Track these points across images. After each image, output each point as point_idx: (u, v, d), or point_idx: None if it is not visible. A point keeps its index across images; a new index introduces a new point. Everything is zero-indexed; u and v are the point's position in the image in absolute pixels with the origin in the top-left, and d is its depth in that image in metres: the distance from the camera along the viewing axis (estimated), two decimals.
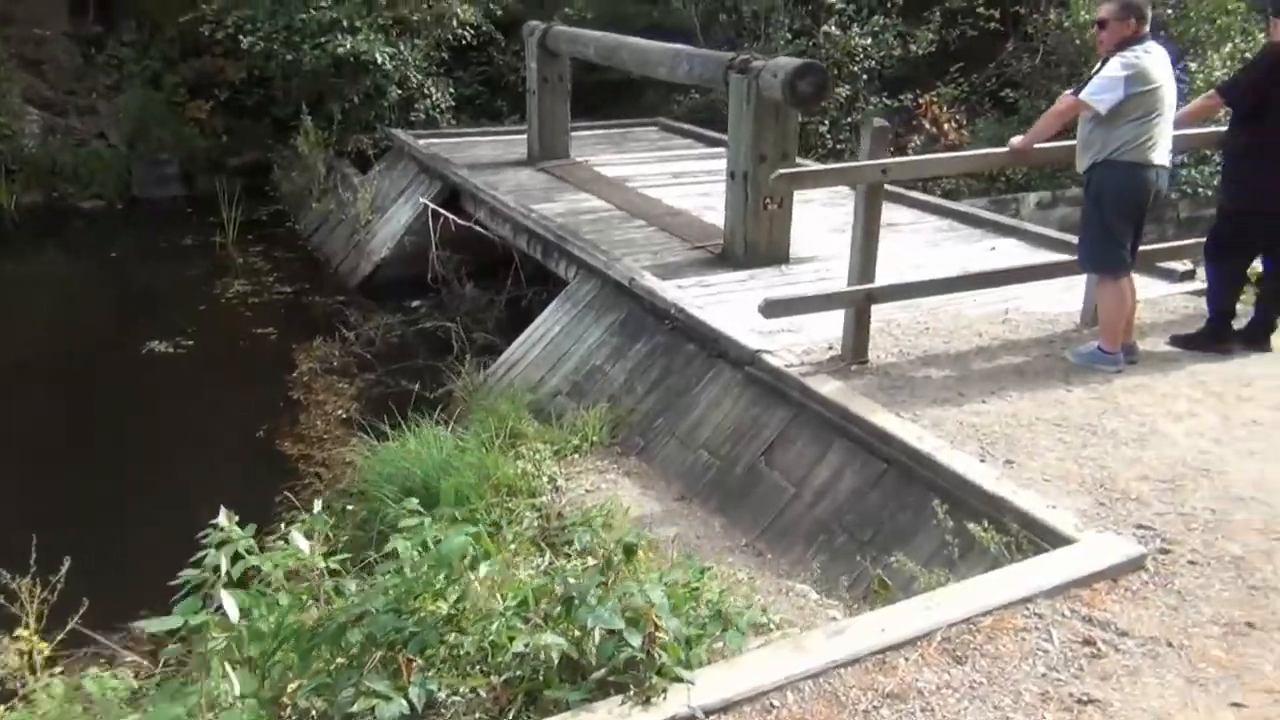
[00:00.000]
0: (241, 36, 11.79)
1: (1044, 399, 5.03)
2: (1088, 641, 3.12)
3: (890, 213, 8.96)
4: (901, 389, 5.17)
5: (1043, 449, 4.50)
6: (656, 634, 2.98)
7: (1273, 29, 5.43)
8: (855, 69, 13.43)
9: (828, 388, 5.12)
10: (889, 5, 13.28)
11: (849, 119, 13.73)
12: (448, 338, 8.32)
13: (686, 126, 12.63)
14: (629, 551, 3.20)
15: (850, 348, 5.42)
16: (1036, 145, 5.54)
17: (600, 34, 9.49)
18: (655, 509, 5.28)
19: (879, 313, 6.17)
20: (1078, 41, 13.25)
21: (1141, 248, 6.79)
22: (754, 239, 7.28)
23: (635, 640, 2.73)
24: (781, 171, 5.02)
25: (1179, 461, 4.34)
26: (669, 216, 8.63)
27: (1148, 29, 5.15)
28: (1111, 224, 5.20)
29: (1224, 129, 5.70)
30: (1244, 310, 5.81)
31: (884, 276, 6.96)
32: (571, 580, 3.01)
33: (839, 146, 13.70)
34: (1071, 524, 3.89)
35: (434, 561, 2.95)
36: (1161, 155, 5.11)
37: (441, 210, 9.01)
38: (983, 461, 4.39)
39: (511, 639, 2.88)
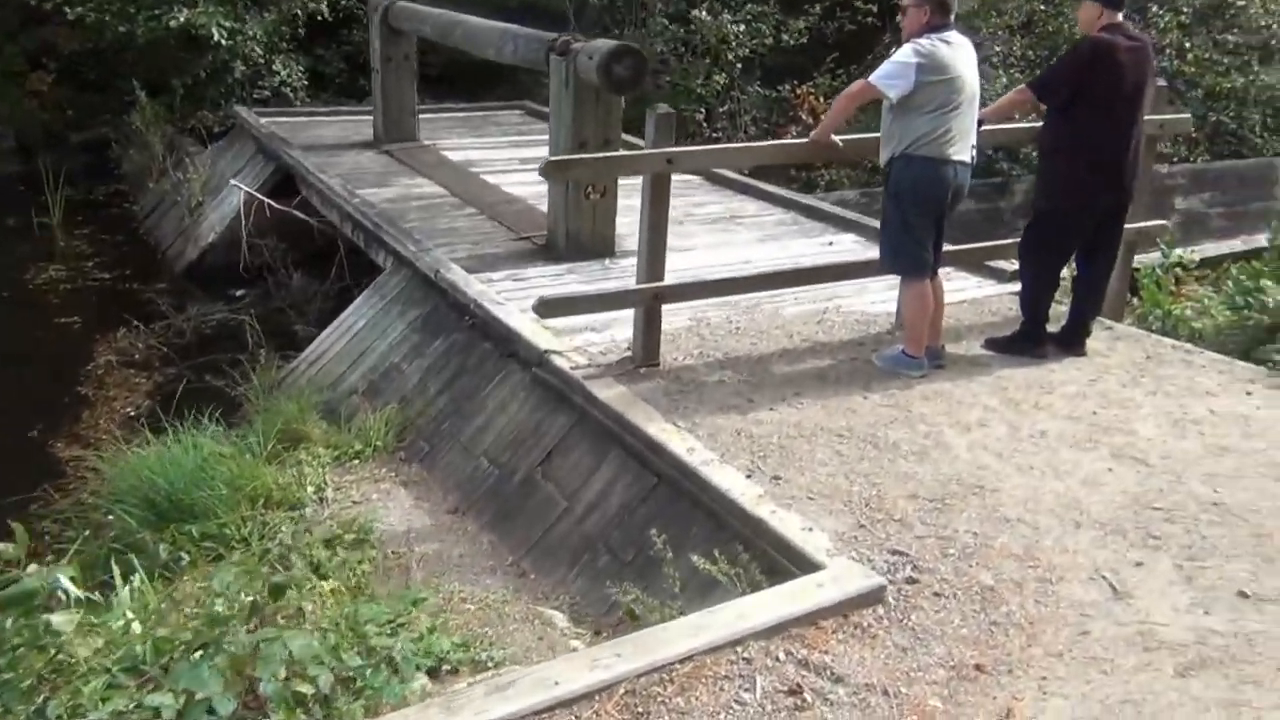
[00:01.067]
0: (68, 7, 11.00)
1: (836, 406, 4.73)
2: (794, 691, 2.79)
3: (736, 203, 8.73)
4: (689, 394, 4.82)
5: (817, 462, 4.18)
6: (299, 687, 2.58)
7: (1085, 16, 5.19)
8: (731, 57, 13.10)
9: (608, 393, 4.75)
10: None
11: (725, 107, 13.43)
12: (265, 330, 7.79)
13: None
14: (275, 593, 2.77)
15: (640, 350, 5.06)
16: (844, 138, 5.24)
17: (439, 11, 9.00)
18: (424, 523, 4.87)
19: (691, 311, 5.87)
20: None
21: (968, 245, 6.61)
22: (576, 231, 6.88)
23: (226, 708, 2.30)
24: (552, 159, 4.63)
25: (954, 478, 4.06)
26: (504, 204, 8.20)
27: (950, 19, 4.86)
28: (910, 222, 4.92)
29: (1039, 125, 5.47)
30: (1062, 313, 5.61)
31: (715, 270, 6.73)
32: (193, 630, 2.58)
33: (715, 135, 13.39)
34: (824, 549, 3.58)
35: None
36: (961, 151, 4.83)
37: (256, 194, 8.44)
38: (749, 477, 4.06)
39: (105, 700, 2.44)
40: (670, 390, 4.86)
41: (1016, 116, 6.08)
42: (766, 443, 4.34)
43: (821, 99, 13.56)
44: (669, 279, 6.46)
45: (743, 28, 12.75)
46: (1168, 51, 14.86)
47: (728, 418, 4.57)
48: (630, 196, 8.48)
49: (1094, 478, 4.05)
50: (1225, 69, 15.51)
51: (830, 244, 7.52)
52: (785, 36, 12.72)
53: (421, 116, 10.79)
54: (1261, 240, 13.60)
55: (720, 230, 7.80)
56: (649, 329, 5.00)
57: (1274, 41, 15.75)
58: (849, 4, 13.50)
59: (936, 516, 3.78)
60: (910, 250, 4.97)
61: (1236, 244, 11.86)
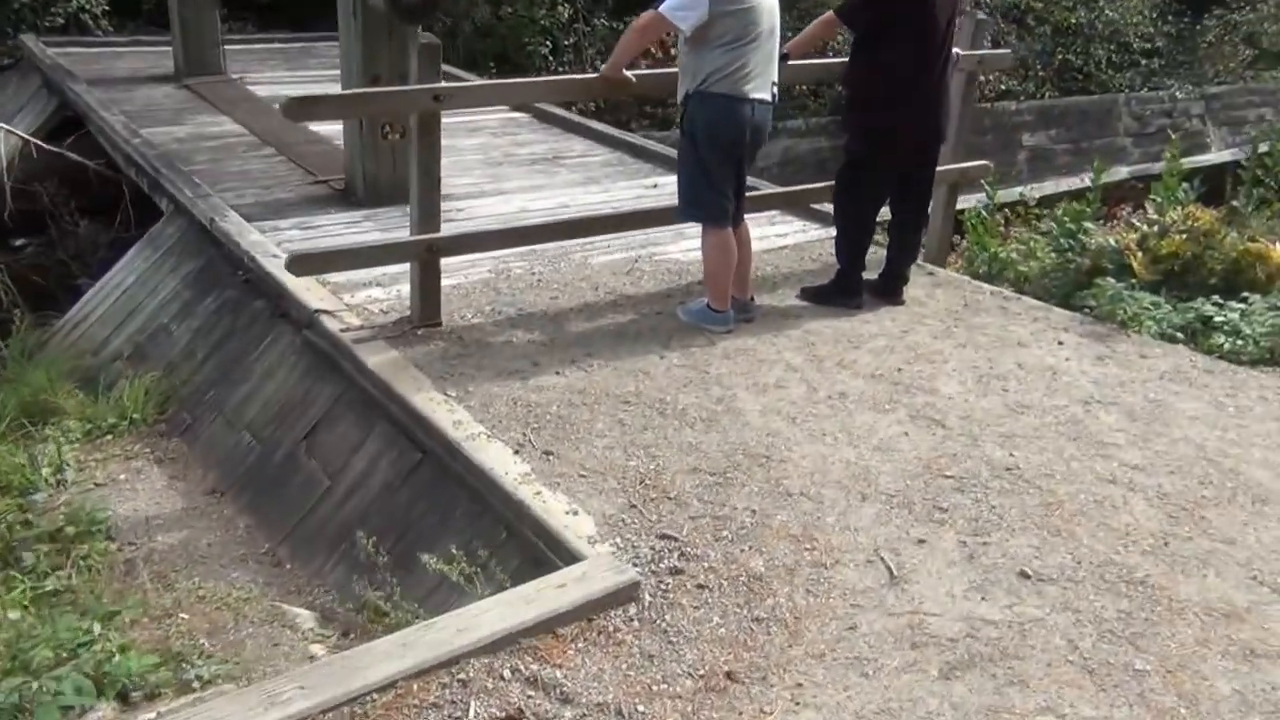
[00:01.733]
0: None
1: (628, 369, 4.36)
2: (512, 717, 2.42)
3: (563, 142, 8.24)
4: (470, 357, 4.39)
5: (596, 434, 3.81)
6: None
7: None
8: None
9: (377, 359, 4.28)
10: None
11: (570, 41, 12.82)
12: (46, 283, 7.04)
13: None
14: None
15: (418, 309, 4.59)
16: (639, 73, 4.82)
17: None
18: (176, 507, 4.35)
19: (492, 262, 5.43)
20: None
21: (793, 187, 6.30)
22: (374, 174, 6.32)
23: None
24: (294, 97, 4.08)
25: (741, 447, 3.74)
26: (307, 145, 7.53)
27: None
28: (707, 165, 4.54)
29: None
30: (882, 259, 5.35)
31: (532, 215, 6.27)
32: None
33: (560, 69, 12.79)
34: (587, 536, 3.21)
35: None
36: (760, 88, 4.46)
37: (18, 133, 7.58)
38: (517, 453, 3.66)
39: None
40: (449, 354, 4.41)
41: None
42: (544, 412, 3.95)
43: None
44: (480, 224, 6.06)
45: None
46: None
47: (507, 384, 4.16)
48: (453, 135, 7.95)
49: (888, 443, 3.78)
50: (1072, 4, 15.58)
51: (655, 186, 7.12)
52: None
53: (233, 48, 9.96)
54: (1108, 176, 13.83)
55: (540, 172, 7.32)
56: (426, 285, 4.53)
57: None
58: None
59: (716, 493, 3.45)
60: (708, 196, 4.60)
61: (1076, 181, 11.93)
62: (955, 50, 5.45)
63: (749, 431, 3.85)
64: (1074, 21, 15.51)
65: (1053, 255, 6.33)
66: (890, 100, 4.89)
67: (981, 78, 13.91)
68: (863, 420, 3.95)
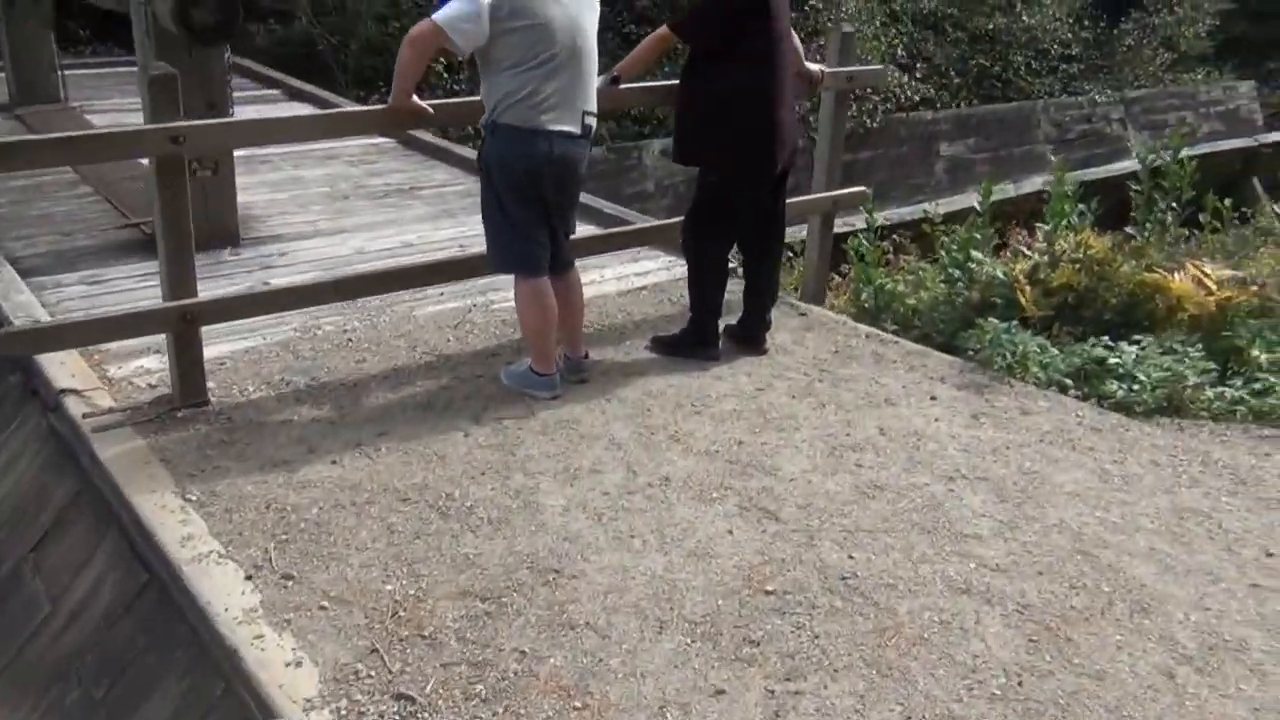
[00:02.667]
0: None
1: (423, 451, 3.70)
2: None
3: (423, 170, 7.56)
4: (232, 446, 3.70)
5: (356, 546, 3.14)
6: None
7: None
8: None
9: (115, 451, 3.59)
10: None
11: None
12: None
13: (248, 64, 10.62)
14: None
15: (178, 386, 3.89)
16: (435, 102, 4.16)
17: None
18: None
19: (299, 318, 4.75)
20: None
21: (657, 221, 5.69)
22: None
23: None
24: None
25: (529, 558, 3.09)
26: (128, 181, 6.77)
27: None
28: (506, 207, 3.90)
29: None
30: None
31: (367, 259, 5.59)
32: None
33: (456, 88, 12.09)
34: (304, 699, 2.55)
35: None
36: (563, 119, 3.82)
37: None
38: (250, 578, 2.99)
39: None
40: (209, 441, 3.72)
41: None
42: (300, 518, 3.27)
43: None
44: (314, 269, 5.38)
45: None
46: None
47: (266, 481, 3.48)
48: (301, 165, 7.23)
49: (707, 546, 3.15)
50: (989, 10, 15.20)
51: None
52: None
53: (74, 73, 9.16)
54: (1029, 185, 13.40)
55: (390, 206, 6.63)
56: (185, 360, 3.83)
57: None
58: None
59: (483, 627, 2.80)
60: (514, 243, 3.95)
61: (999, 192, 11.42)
62: (818, 68, 4.91)
63: (543, 536, 3.20)
64: (991, 28, 15.12)
65: (942, 286, 5.78)
66: (737, 125, 4.29)
67: (896, 88, 13.56)
68: (683, 515, 3.32)
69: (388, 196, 6.85)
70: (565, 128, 3.80)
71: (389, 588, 2.95)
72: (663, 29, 4.35)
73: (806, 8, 12.67)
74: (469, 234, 6.12)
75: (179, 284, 3.71)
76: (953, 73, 14.71)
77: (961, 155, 14.68)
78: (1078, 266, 5.23)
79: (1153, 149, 6.02)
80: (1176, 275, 5.10)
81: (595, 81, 4.00)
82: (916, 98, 13.58)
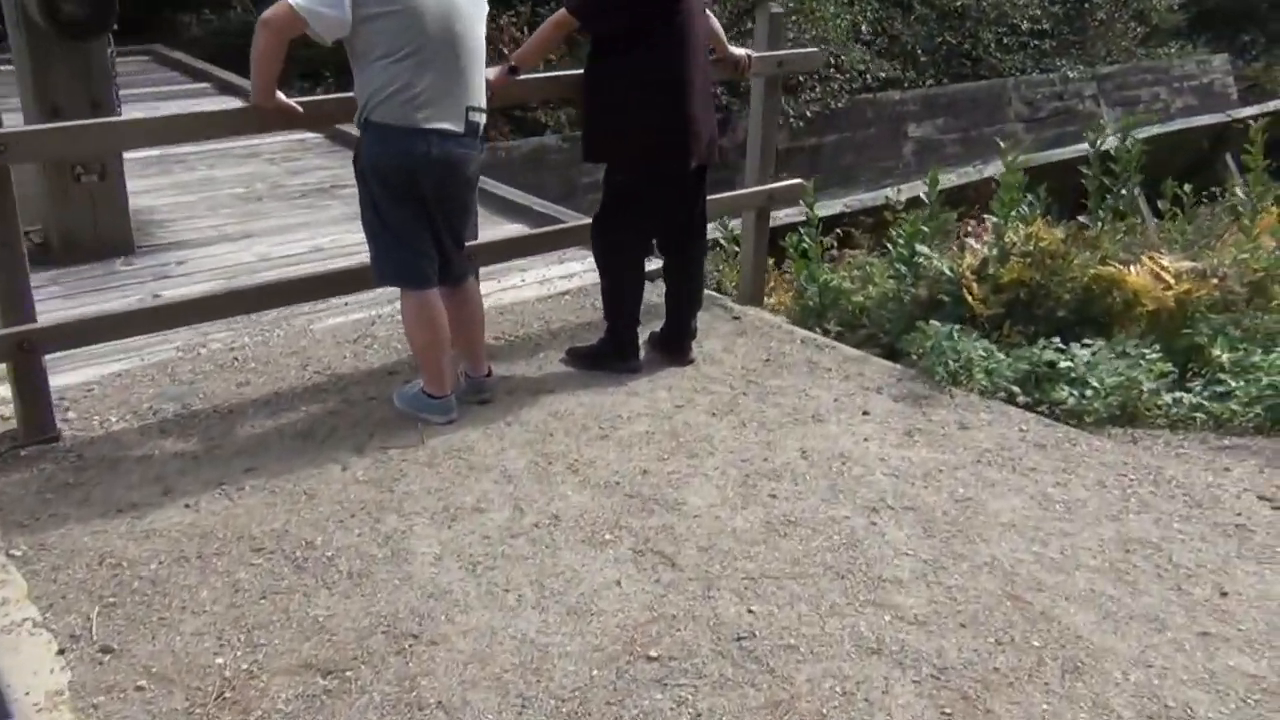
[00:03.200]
0: None
1: (292, 489, 3.33)
2: None
3: (345, 169, 7.10)
4: (78, 489, 3.32)
5: (193, 608, 2.77)
6: None
7: None
8: None
9: None
10: None
11: None
12: None
13: (179, 56, 10.17)
14: None
15: (21, 421, 3.51)
16: (323, 98, 3.78)
17: None
18: None
19: (187, 334, 4.36)
20: None
21: (579, 221, 5.31)
22: (70, 225, 5.21)
23: None
24: None
25: (387, 619, 2.73)
26: (26, 187, 6.34)
27: None
28: (383, 213, 3.52)
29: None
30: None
31: (273, 265, 5.21)
32: None
33: None
34: None
35: None
36: (443, 115, 3.43)
37: None
38: (64, 651, 2.62)
39: None
40: (51, 483, 3.34)
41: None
42: (134, 575, 2.90)
43: (525, 30, 12.01)
44: (212, 278, 5.00)
45: None
46: None
47: (106, 530, 3.10)
48: (218, 164, 6.80)
49: (590, 601, 2.79)
50: None
51: None
52: None
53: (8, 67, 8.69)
54: (991, 169, 13.03)
55: (305, 208, 6.24)
56: (27, 392, 3.45)
57: None
58: None
59: (319, 709, 2.43)
60: (395, 253, 3.57)
61: (952, 177, 11.04)
62: (744, 52, 4.54)
63: (407, 592, 2.83)
64: (959, 4, 14.72)
65: (891, 282, 5.42)
66: (648, 117, 3.92)
67: (860, 67, 13.09)
68: (568, 563, 2.95)
69: (304, 197, 6.45)
70: (445, 125, 3.42)
71: (220, 660, 2.58)
72: (561, 12, 3.95)
73: None
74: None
75: (12, 308, 3.32)
76: (919, 51, 14.32)
77: (931, 136, 14.31)
78: (1028, 261, 4.87)
79: (1096, 129, 5.64)
80: (1132, 269, 4.74)
81: (481, 73, 3.61)
82: (882, 75, 13.18)
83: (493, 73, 3.91)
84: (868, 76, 13.03)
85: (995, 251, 4.99)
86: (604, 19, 3.90)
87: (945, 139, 14.46)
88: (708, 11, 4.34)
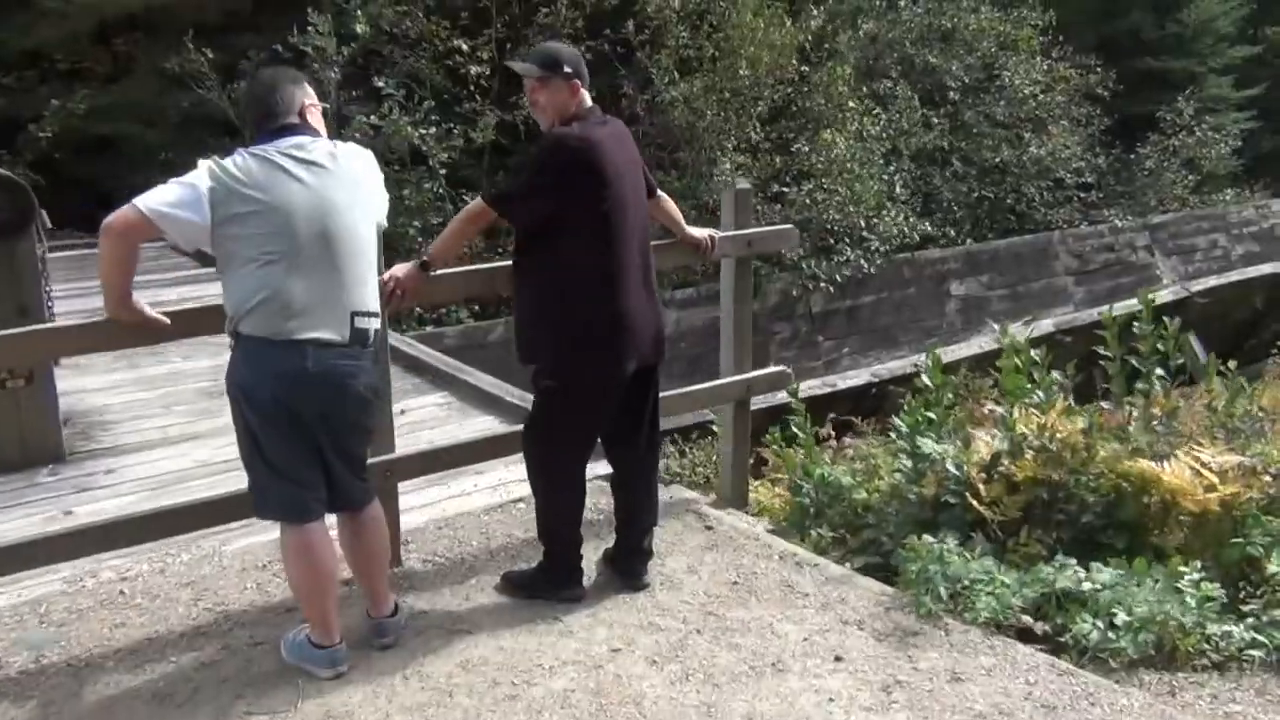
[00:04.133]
0: None
1: None
2: None
3: None
4: None
5: None
6: None
7: (550, 100, 3.48)
8: (434, 164, 11.16)
9: None
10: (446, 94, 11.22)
11: (440, 220, 11.45)
12: None
13: None
14: None
15: None
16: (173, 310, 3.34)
17: None
18: None
19: (84, 563, 3.87)
20: (681, 121, 11.65)
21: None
22: None
23: None
24: None
25: None
26: None
27: (284, 119, 3.05)
28: (262, 443, 3.03)
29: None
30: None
31: (207, 471, 4.77)
32: None
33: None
34: None
35: None
36: (321, 324, 2.97)
37: None
38: None
39: None
40: None
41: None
42: None
43: None
44: (139, 489, 4.59)
45: (432, 130, 10.81)
46: (937, 124, 13.68)
47: None
48: (190, 355, 6.34)
49: None
50: (995, 143, 14.48)
51: (402, 412, 5.63)
52: (475, 136, 10.91)
53: None
54: (1044, 325, 12.33)
55: (205, 400, 5.80)
56: None
57: (1040, 113, 14.81)
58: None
59: None
60: (270, 485, 3.07)
61: (987, 342, 10.37)
62: (706, 233, 4.10)
63: None
64: (998, 161, 14.37)
65: (897, 475, 4.78)
66: (576, 315, 3.43)
67: (895, 229, 12.44)
68: None
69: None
70: (323, 335, 2.95)
71: None
72: (476, 202, 3.53)
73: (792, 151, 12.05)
74: None
75: None
76: (955, 208, 13.92)
77: (975, 293, 13.78)
78: (1044, 457, 4.22)
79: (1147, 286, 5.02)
80: (1167, 465, 4.05)
81: (371, 274, 3.17)
82: (917, 236, 12.74)
83: (403, 269, 3.50)
84: (904, 236, 12.61)
85: (1006, 444, 4.35)
86: (524, 209, 3.46)
87: (991, 295, 13.91)
88: (660, 194, 3.91)
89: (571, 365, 3.48)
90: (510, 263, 3.62)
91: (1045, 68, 14.76)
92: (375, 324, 3.16)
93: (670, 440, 6.20)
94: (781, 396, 7.77)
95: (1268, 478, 4.00)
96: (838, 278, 11.91)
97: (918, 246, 13.19)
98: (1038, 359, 4.86)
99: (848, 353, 12.49)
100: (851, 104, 12.59)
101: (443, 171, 11.00)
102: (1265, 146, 19.08)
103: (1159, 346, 4.46)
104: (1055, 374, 4.86)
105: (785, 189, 12.06)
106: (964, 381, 6.33)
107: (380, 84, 10.63)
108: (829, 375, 9.26)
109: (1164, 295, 11.33)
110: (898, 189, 12.88)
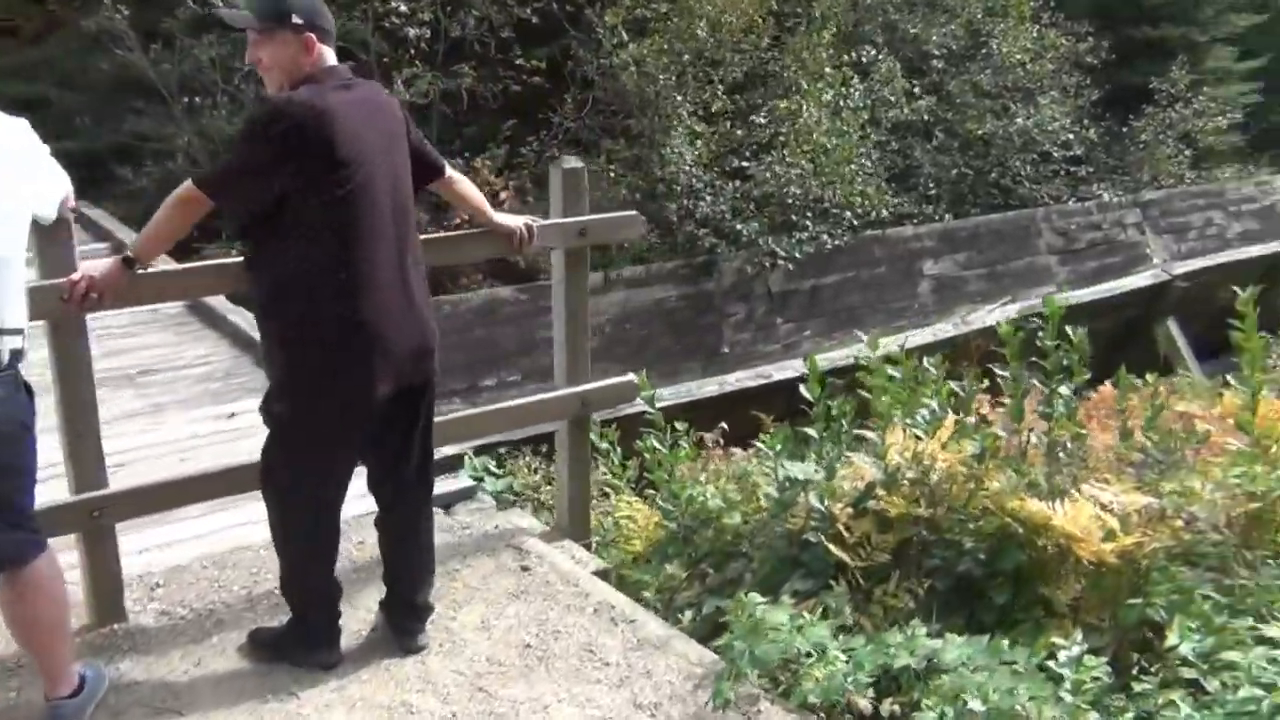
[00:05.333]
0: None
1: None
2: None
3: (182, 346, 6.17)
4: None
5: None
6: None
7: (279, 55, 2.79)
8: None
9: None
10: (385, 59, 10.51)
11: None
12: None
13: (99, 216, 9.47)
14: None
15: None
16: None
17: None
18: None
19: None
20: (632, 87, 10.93)
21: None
22: None
23: None
24: None
25: None
26: None
27: None
28: None
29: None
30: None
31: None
32: None
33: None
34: None
35: None
36: None
37: None
38: None
39: None
40: None
41: None
42: None
43: (497, 175, 11.16)
44: None
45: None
46: (921, 96, 12.90)
47: None
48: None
49: None
50: (979, 114, 13.68)
51: (232, 415, 5.01)
52: (409, 97, 10.17)
53: None
54: (1011, 310, 11.60)
55: (102, 400, 5.17)
56: None
57: (1027, 82, 13.98)
58: (509, 62, 11.08)
59: None
60: None
61: (947, 328, 9.65)
62: (521, 221, 3.43)
63: None
64: (981, 133, 13.57)
65: (764, 498, 4.14)
66: (321, 324, 2.77)
67: (859, 199, 11.59)
68: None
69: (101, 387, 5.40)
70: None
71: None
72: (186, 185, 2.86)
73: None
74: (169, 438, 4.69)
75: None
76: (934, 183, 13.15)
77: (950, 273, 13.01)
78: (918, 491, 3.56)
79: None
80: (1059, 506, 3.37)
81: (18, 281, 2.52)
82: (886, 212, 12.00)
83: (101, 266, 2.85)
84: (875, 211, 11.87)
85: (881, 473, 3.68)
86: (234, 193, 2.79)
87: (967, 275, 13.15)
88: (451, 173, 3.24)
89: (307, 387, 2.83)
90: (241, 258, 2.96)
91: (1036, 34, 13.91)
92: (20, 341, 2.52)
93: (515, 451, 5.53)
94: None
95: (1179, 523, 3.31)
96: (797, 254, 11.18)
97: (894, 223, 12.46)
98: (933, 367, 4.20)
99: (809, 335, 11.77)
100: (829, 70, 11.83)
101: None
102: (1274, 120, 18.17)
103: (1064, 361, 3.74)
104: (953, 385, 4.19)
105: (746, 162, 11.33)
106: (913, 374, 5.64)
107: None
108: (764, 366, 8.56)
109: (1143, 279, 10.63)
110: (869, 162, 12.11)
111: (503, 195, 10.98)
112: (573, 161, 3.70)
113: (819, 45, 11.65)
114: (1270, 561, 3.49)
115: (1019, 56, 13.80)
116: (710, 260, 11.18)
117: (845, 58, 12.36)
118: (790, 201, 11.19)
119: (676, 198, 10.90)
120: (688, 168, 10.67)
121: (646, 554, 4.36)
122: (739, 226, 11.02)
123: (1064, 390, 3.73)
